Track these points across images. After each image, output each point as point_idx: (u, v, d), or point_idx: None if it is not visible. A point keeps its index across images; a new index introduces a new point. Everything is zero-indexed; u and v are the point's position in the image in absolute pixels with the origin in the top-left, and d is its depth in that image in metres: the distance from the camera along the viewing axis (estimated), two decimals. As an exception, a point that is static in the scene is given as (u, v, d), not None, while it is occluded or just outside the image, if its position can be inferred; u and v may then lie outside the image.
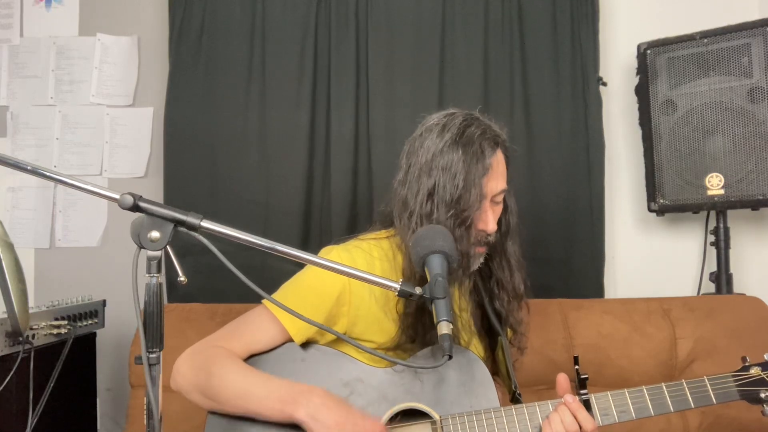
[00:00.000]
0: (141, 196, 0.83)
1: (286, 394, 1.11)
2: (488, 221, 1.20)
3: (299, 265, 1.24)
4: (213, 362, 1.17)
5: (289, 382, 1.14)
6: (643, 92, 1.98)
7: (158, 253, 0.82)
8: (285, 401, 1.11)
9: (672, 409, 1.13)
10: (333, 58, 2.10)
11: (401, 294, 0.96)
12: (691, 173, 1.89)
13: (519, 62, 2.10)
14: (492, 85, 2.10)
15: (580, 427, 1.10)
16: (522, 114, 2.09)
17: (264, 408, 1.12)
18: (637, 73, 2.01)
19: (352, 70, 2.09)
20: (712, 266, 2.02)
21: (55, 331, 1.68)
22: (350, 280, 1.20)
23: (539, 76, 2.09)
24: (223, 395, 1.15)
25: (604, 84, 2.10)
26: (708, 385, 1.14)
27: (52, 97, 2.25)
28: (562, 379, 1.17)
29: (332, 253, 1.24)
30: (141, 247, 0.82)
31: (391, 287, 0.96)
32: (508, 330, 1.35)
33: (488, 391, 1.19)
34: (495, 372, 1.39)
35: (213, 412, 1.19)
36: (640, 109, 2.02)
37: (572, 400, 1.13)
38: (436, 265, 0.99)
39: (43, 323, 1.66)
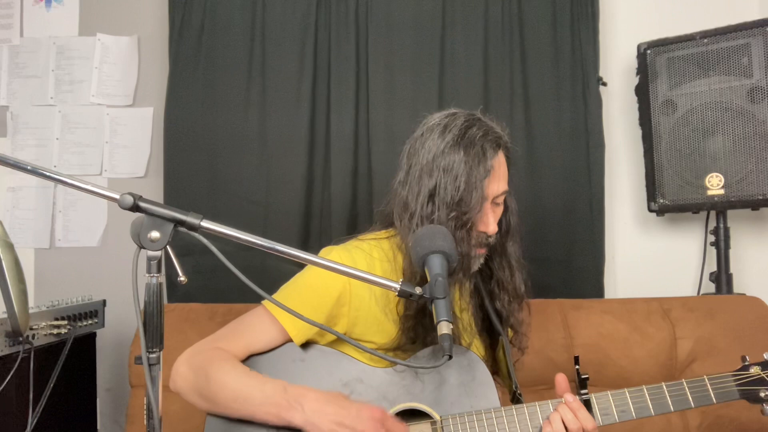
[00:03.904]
0: (141, 196, 0.83)
1: (282, 400, 1.11)
2: (489, 223, 1.21)
3: (299, 265, 1.23)
4: (211, 364, 1.16)
5: (284, 386, 1.13)
6: (643, 92, 1.98)
7: (158, 253, 0.82)
8: (281, 407, 1.10)
9: (672, 408, 1.13)
10: (333, 58, 2.10)
11: (401, 294, 0.96)
12: (691, 173, 1.89)
13: (519, 62, 2.10)
14: (492, 85, 2.10)
15: (582, 427, 1.11)
16: (522, 114, 2.09)
17: (261, 413, 1.12)
18: (637, 73, 2.01)
19: (352, 70, 2.09)
20: (712, 266, 2.02)
21: (55, 331, 1.68)
22: (351, 280, 1.20)
23: (539, 76, 2.09)
24: (220, 398, 1.14)
25: (604, 84, 2.10)
26: (708, 385, 1.14)
27: (52, 97, 2.25)
28: (561, 379, 1.18)
29: (332, 254, 1.24)
30: (141, 247, 0.82)
31: (391, 287, 0.96)
32: (509, 330, 1.35)
33: (489, 391, 1.19)
34: (495, 372, 1.39)
35: (212, 414, 1.19)
36: (640, 109, 2.02)
37: (572, 399, 1.13)
38: (436, 265, 0.99)
39: (43, 323, 1.66)
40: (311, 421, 1.09)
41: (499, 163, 1.21)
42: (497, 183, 1.20)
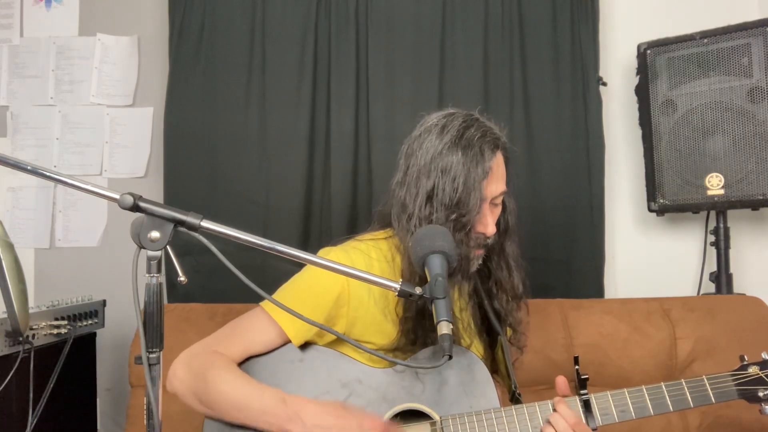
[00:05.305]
0: (141, 196, 0.83)
1: (281, 412, 1.10)
2: (487, 224, 1.20)
3: (299, 265, 1.24)
4: (209, 370, 1.16)
5: (283, 397, 1.12)
6: (643, 92, 1.98)
7: (158, 253, 0.82)
8: (281, 419, 1.10)
9: (671, 408, 1.13)
10: (333, 58, 2.10)
11: (401, 294, 0.96)
12: (691, 173, 1.89)
13: (519, 62, 2.10)
14: (492, 85, 2.10)
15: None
16: (522, 114, 2.09)
17: (260, 423, 1.12)
18: (637, 73, 2.01)
19: (352, 70, 2.09)
20: (712, 266, 2.02)
21: (55, 331, 1.68)
22: (349, 281, 1.19)
23: (539, 76, 2.09)
24: (219, 405, 1.14)
25: (604, 84, 2.10)
26: (707, 385, 1.14)
27: (52, 97, 2.25)
28: (561, 382, 1.18)
29: (330, 255, 1.23)
30: (141, 247, 0.82)
31: (391, 287, 0.95)
32: (508, 329, 1.35)
33: (488, 391, 1.19)
34: (494, 371, 1.39)
35: (209, 417, 1.19)
36: (640, 109, 2.02)
37: (558, 400, 1.14)
38: (436, 265, 0.99)
39: (43, 323, 1.66)
40: None
41: (497, 163, 1.20)
42: (495, 184, 1.20)
